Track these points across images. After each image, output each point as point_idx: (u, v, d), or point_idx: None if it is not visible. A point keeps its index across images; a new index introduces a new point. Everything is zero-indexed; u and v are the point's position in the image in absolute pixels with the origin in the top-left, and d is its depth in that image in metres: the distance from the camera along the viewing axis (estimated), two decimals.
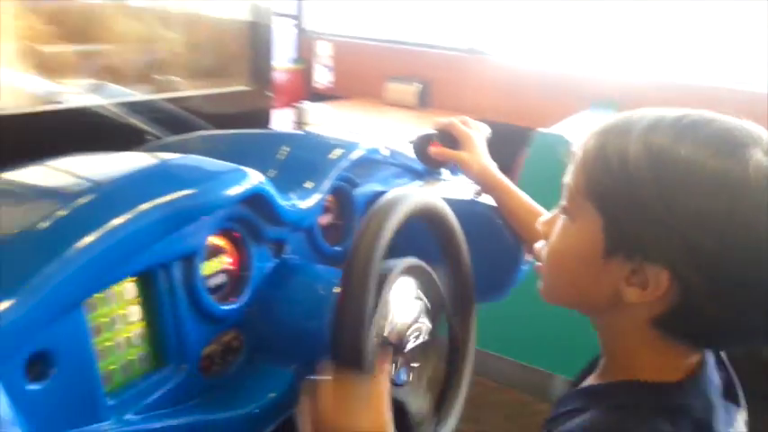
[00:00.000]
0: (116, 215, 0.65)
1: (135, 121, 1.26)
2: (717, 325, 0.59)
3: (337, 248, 1.01)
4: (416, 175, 1.17)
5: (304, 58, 3.35)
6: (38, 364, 0.60)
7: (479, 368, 1.01)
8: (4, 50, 1.14)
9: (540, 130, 2.12)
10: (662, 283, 0.58)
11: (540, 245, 0.72)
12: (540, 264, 0.72)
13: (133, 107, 1.24)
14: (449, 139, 1.05)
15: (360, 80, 3.34)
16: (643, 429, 0.59)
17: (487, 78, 3.13)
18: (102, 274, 0.64)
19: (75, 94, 1.30)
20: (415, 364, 0.85)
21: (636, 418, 0.60)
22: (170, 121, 1.34)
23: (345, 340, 0.70)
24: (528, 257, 1.07)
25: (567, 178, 0.66)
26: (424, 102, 3.24)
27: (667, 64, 2.68)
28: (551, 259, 0.69)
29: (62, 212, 0.64)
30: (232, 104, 1.54)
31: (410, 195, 0.79)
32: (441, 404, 0.93)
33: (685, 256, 0.56)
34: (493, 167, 1.04)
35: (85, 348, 0.65)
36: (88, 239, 0.62)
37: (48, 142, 0.89)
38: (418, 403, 0.86)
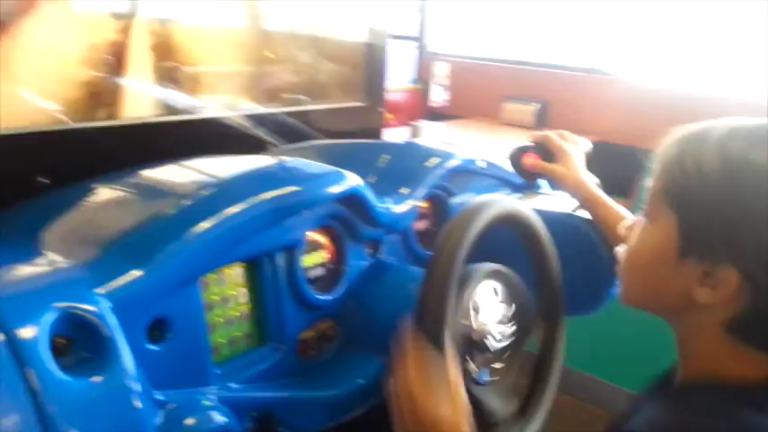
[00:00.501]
0: (230, 206, 0.74)
1: (258, 131, 1.39)
2: None
3: (431, 252, 1.06)
4: (514, 187, 1.20)
5: (423, 79, 3.44)
6: (157, 329, 0.70)
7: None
8: (152, 69, 1.31)
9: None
10: (732, 283, 0.60)
11: (621, 248, 0.74)
12: (619, 266, 0.74)
13: (257, 119, 1.37)
14: (545, 151, 1.07)
15: (476, 100, 3.38)
16: (723, 425, 0.60)
17: (608, 98, 3.06)
18: (215, 255, 0.74)
19: (209, 107, 1.45)
20: (497, 366, 0.89)
21: (714, 416, 0.61)
22: (289, 133, 1.47)
23: (427, 313, 0.75)
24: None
25: (648, 182, 0.69)
26: (542, 122, 3.22)
27: None
28: (629, 260, 0.72)
29: (187, 201, 0.75)
30: (347, 119, 1.64)
31: (496, 201, 0.83)
32: (523, 411, 0.95)
33: (755, 258, 0.58)
34: (589, 181, 1.05)
35: (198, 320, 0.75)
36: (205, 224, 0.72)
37: (183, 146, 1.02)
38: (496, 404, 0.89)
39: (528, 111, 3.23)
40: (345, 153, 1.11)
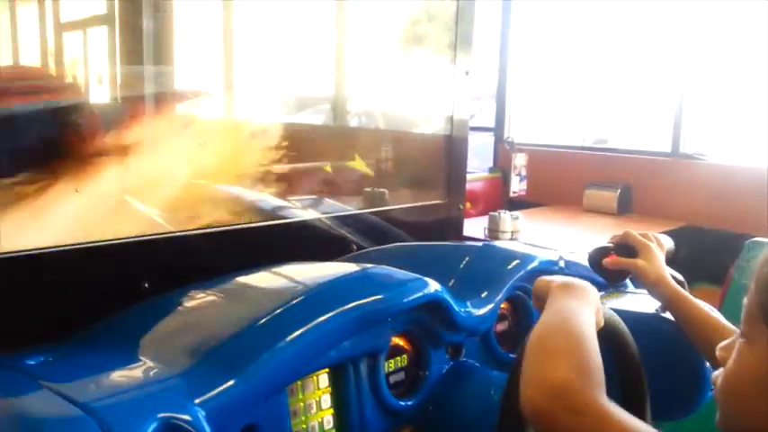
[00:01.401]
0: (319, 315, 0.79)
1: (343, 231, 1.45)
2: None
3: (512, 355, 1.06)
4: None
5: (501, 168, 3.49)
6: None
7: None
8: (246, 171, 1.39)
9: (755, 238, 1.98)
10: None
11: (717, 372, 0.69)
12: (715, 391, 0.69)
13: (342, 220, 1.43)
14: (626, 250, 1.07)
15: (557, 187, 3.38)
16: None
17: (692, 181, 2.99)
18: (303, 364, 0.77)
19: (295, 208, 1.52)
20: None
21: None
22: (373, 233, 1.52)
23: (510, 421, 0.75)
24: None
25: (745, 300, 0.65)
26: (625, 207, 3.17)
27: None
28: (727, 385, 0.66)
29: (277, 310, 0.80)
30: (428, 216, 1.69)
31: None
32: None
33: None
34: (670, 279, 1.04)
35: (285, 427, 0.77)
36: (295, 334, 0.76)
37: (272, 250, 1.08)
38: None
39: (610, 197, 3.20)
40: (427, 257, 1.14)
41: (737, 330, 0.67)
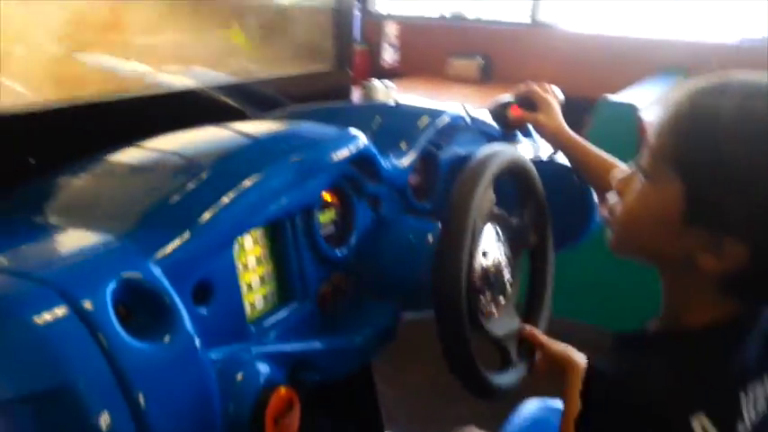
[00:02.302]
0: (261, 168, 0.78)
1: (233, 101, 1.39)
2: None
3: (426, 205, 1.12)
4: (493, 139, 1.27)
5: (367, 40, 3.46)
6: (201, 291, 0.73)
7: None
8: (105, 41, 1.28)
9: (606, 96, 2.17)
10: (740, 254, 0.58)
11: (613, 199, 0.73)
12: (610, 217, 0.74)
13: (231, 89, 1.37)
14: (527, 103, 1.14)
15: (423, 58, 3.43)
16: (689, 375, 0.62)
17: (549, 49, 3.16)
18: (250, 216, 0.77)
19: (171, 78, 1.43)
20: (502, 299, 0.96)
21: (682, 367, 0.62)
22: (261, 101, 1.47)
23: (449, 261, 0.81)
24: (603, 211, 1.16)
25: (651, 138, 0.66)
26: (487, 76, 3.30)
27: (737, 25, 2.65)
28: (626, 218, 0.70)
29: (217, 166, 0.78)
30: (317, 83, 1.66)
31: (502, 151, 0.90)
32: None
33: (766, 229, 0.57)
34: (567, 128, 1.13)
35: (235, 281, 0.78)
36: (241, 187, 0.75)
37: (160, 121, 1.02)
38: (506, 330, 0.96)
39: (473, 66, 3.31)
40: (338, 116, 1.14)
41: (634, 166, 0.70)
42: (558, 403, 1.23)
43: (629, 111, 2.06)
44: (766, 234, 0.58)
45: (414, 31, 3.40)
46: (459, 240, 0.83)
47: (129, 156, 0.86)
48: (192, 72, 1.46)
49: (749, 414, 0.64)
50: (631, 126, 2.05)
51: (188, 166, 0.82)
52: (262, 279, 0.85)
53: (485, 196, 0.86)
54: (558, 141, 1.13)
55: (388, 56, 2.97)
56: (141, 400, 0.58)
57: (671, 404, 0.60)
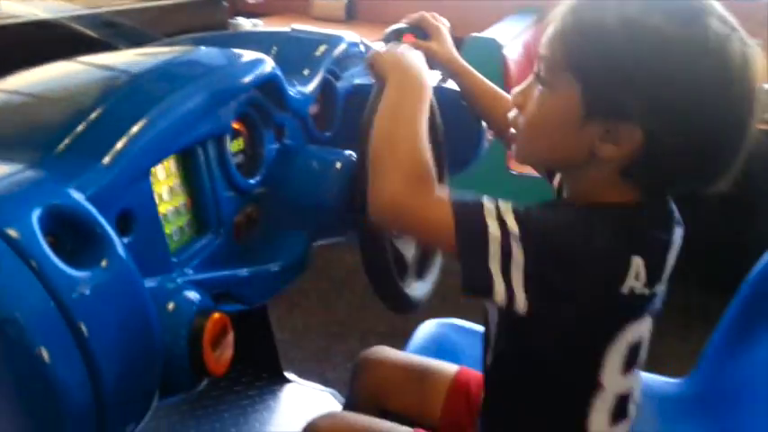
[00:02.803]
0: (171, 94, 0.75)
1: (111, 31, 1.30)
2: (672, 173, 0.71)
3: (326, 134, 1.13)
4: None
5: None
6: (123, 221, 0.71)
7: None
8: None
9: (473, 34, 2.26)
10: (634, 139, 0.66)
11: (513, 114, 0.78)
12: (514, 131, 0.80)
13: (108, 18, 1.28)
14: (419, 31, 1.17)
15: None
16: (610, 220, 0.70)
17: None
18: (165, 145, 0.75)
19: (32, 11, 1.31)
20: None
21: (617, 218, 0.70)
22: (131, 33, 1.39)
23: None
24: (489, 135, 1.23)
25: (543, 50, 0.71)
26: (351, 15, 3.30)
27: None
28: (530, 126, 0.75)
29: (126, 93, 0.74)
30: (190, 15, 1.59)
31: None
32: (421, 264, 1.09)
33: (655, 114, 0.65)
34: (459, 56, 1.17)
35: (155, 211, 0.76)
36: (155, 114, 0.72)
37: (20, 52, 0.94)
38: (410, 252, 1.02)
39: (338, 5, 3.28)
40: (232, 45, 1.10)
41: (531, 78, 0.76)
42: (455, 320, 1.32)
43: (494, 46, 2.18)
44: (654, 115, 0.65)
45: None
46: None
47: (28, 83, 0.79)
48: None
49: (666, 273, 0.75)
50: (496, 60, 2.16)
51: (96, 93, 0.77)
52: (177, 210, 0.83)
53: None
54: (450, 69, 1.17)
55: None
56: (84, 327, 0.56)
57: (615, 244, 0.68)
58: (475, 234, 0.68)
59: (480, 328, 0.89)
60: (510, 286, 0.68)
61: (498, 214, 0.68)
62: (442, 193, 0.72)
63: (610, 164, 0.70)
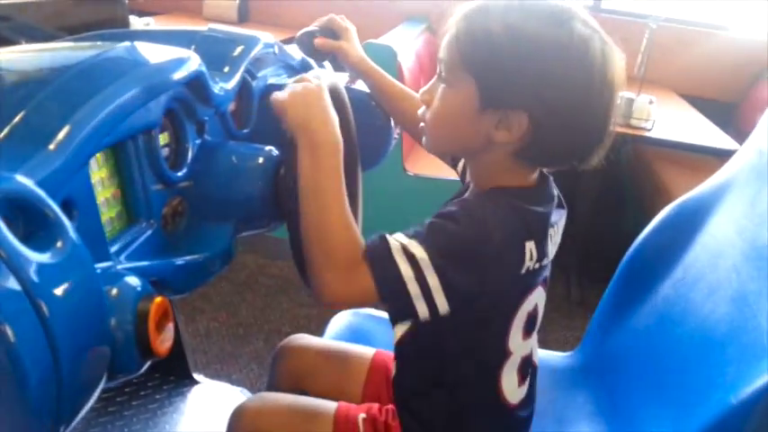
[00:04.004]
0: (108, 87, 0.77)
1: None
2: (554, 151, 0.85)
3: (244, 131, 1.17)
4: (294, 70, 1.35)
5: None
6: (66, 208, 0.72)
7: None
8: None
9: (370, 41, 2.35)
10: (522, 124, 0.80)
11: (422, 111, 0.91)
12: (423, 125, 0.91)
13: None
14: (329, 33, 1.23)
15: None
16: (502, 213, 0.80)
17: None
18: (105, 135, 0.76)
19: None
20: None
21: (497, 205, 0.81)
22: (24, 28, 1.35)
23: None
24: (396, 132, 1.32)
25: (442, 54, 0.84)
26: (243, 17, 3.30)
27: None
28: (436, 119, 0.87)
29: (64, 82, 0.75)
30: (89, 12, 1.55)
31: (327, 76, 0.99)
32: None
33: (536, 103, 0.78)
34: (367, 57, 1.25)
35: (93, 200, 0.77)
36: (95, 103, 0.74)
37: None
38: None
39: (230, 5, 3.27)
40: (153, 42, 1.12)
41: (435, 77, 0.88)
42: (368, 310, 1.39)
43: (390, 53, 2.28)
44: (536, 103, 0.78)
45: None
46: None
47: None
48: None
49: (553, 247, 0.88)
50: (392, 67, 2.27)
51: (32, 83, 0.77)
52: (108, 201, 0.84)
53: None
54: (359, 69, 1.24)
55: None
56: (45, 307, 0.58)
57: (510, 234, 0.80)
58: (393, 285, 0.78)
59: None
60: (433, 305, 0.79)
61: (404, 248, 0.78)
62: (363, 256, 0.81)
63: (505, 147, 0.83)
